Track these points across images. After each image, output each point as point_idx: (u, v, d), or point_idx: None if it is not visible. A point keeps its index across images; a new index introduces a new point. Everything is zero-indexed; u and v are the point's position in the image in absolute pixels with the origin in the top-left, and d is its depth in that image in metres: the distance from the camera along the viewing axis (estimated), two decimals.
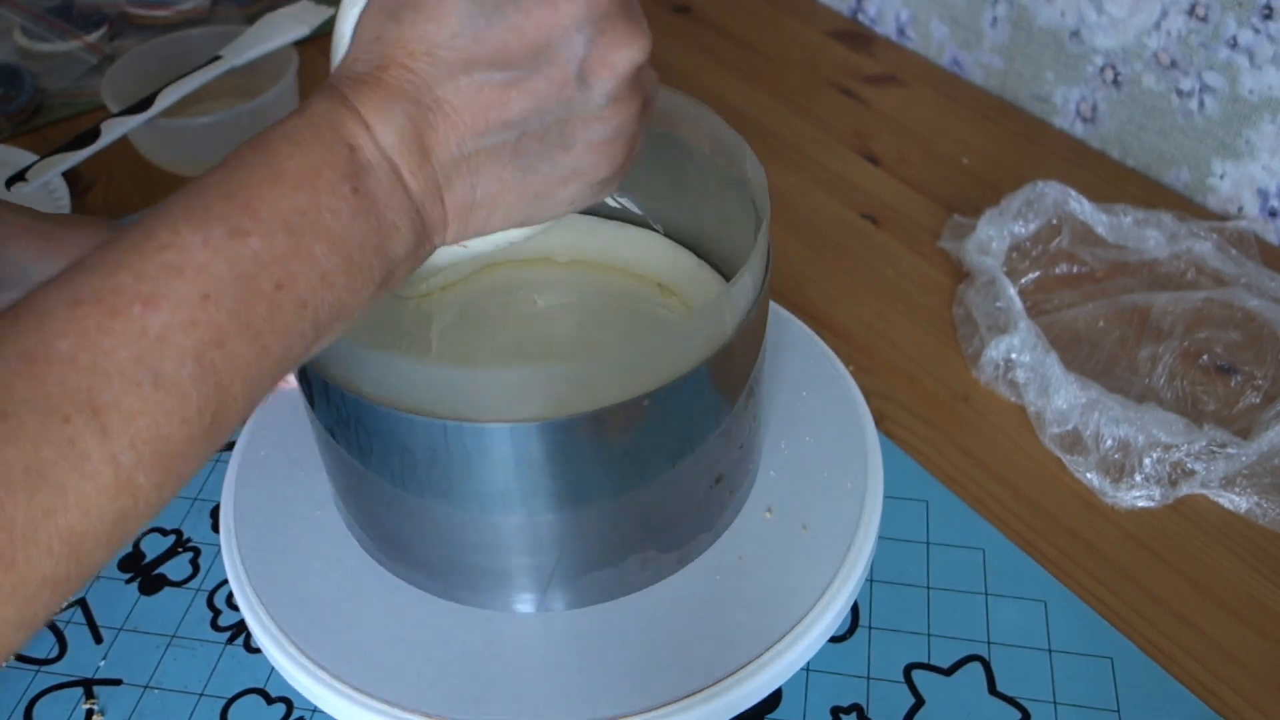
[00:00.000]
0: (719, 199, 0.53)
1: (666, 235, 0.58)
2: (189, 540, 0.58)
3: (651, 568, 0.49)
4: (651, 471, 0.45)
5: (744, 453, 0.50)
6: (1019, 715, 0.49)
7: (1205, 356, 0.65)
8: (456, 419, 0.42)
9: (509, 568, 0.47)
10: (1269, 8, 0.70)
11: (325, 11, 0.88)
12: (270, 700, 0.51)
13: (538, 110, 0.36)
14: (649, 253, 0.57)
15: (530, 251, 0.58)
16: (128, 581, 0.56)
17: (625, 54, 0.36)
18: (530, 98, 0.36)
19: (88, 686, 0.51)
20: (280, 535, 0.52)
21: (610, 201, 0.58)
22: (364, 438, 0.44)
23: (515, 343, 0.55)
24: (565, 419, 0.42)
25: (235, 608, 0.54)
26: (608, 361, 0.42)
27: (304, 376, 0.45)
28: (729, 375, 0.46)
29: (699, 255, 0.57)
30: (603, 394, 0.42)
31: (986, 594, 0.54)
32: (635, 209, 0.58)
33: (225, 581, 0.55)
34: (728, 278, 0.55)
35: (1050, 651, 0.51)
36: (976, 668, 0.51)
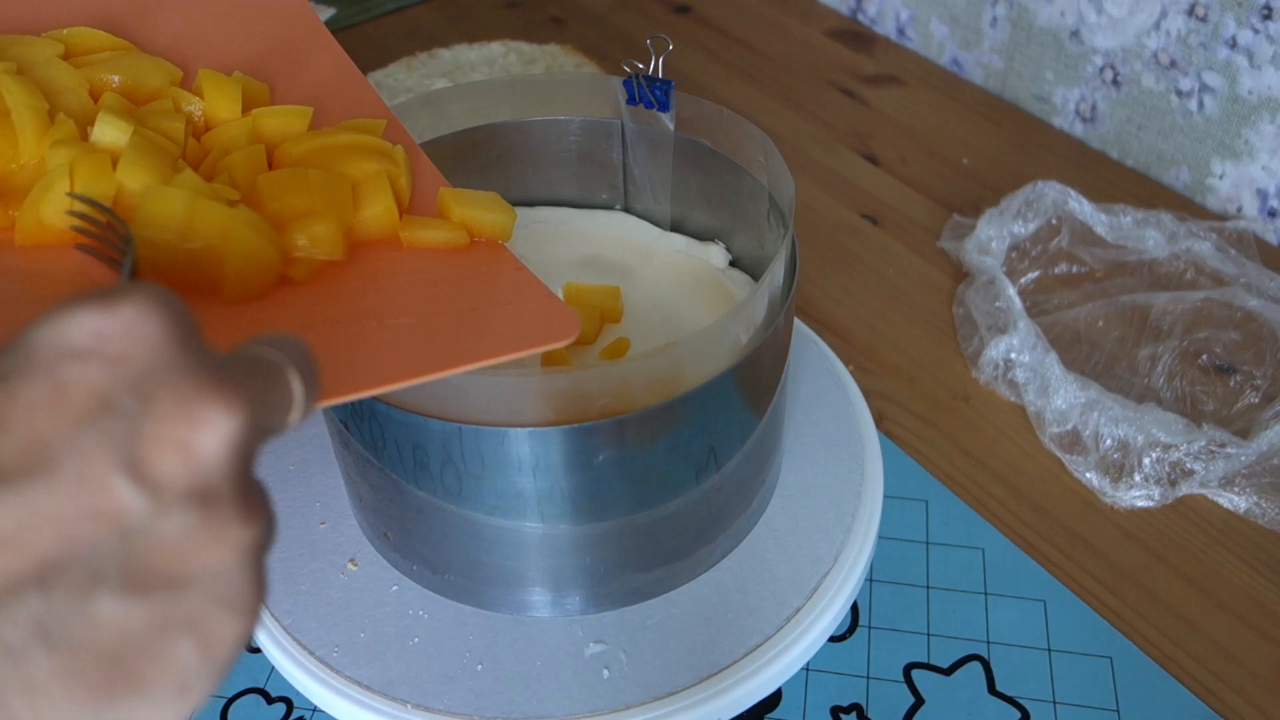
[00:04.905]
0: (749, 208, 0.53)
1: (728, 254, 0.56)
2: None
3: (666, 579, 0.49)
4: (673, 485, 0.45)
5: (766, 464, 0.50)
6: (1018, 715, 0.49)
7: (1204, 356, 0.65)
8: (474, 423, 0.41)
9: (519, 572, 0.47)
10: (1268, 8, 0.70)
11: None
12: (270, 700, 0.51)
13: (62, 550, 0.21)
14: (693, 264, 0.56)
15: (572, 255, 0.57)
16: None
17: (207, 431, 0.22)
18: (42, 529, 0.21)
19: None
20: (280, 534, 0.52)
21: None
22: (377, 433, 0.44)
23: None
24: (586, 425, 0.41)
25: None
26: (630, 367, 0.41)
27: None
28: (754, 384, 0.45)
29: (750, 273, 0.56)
30: (625, 400, 0.41)
31: (986, 594, 0.54)
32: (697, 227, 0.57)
33: None
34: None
35: (1050, 651, 0.51)
36: (976, 667, 0.51)
